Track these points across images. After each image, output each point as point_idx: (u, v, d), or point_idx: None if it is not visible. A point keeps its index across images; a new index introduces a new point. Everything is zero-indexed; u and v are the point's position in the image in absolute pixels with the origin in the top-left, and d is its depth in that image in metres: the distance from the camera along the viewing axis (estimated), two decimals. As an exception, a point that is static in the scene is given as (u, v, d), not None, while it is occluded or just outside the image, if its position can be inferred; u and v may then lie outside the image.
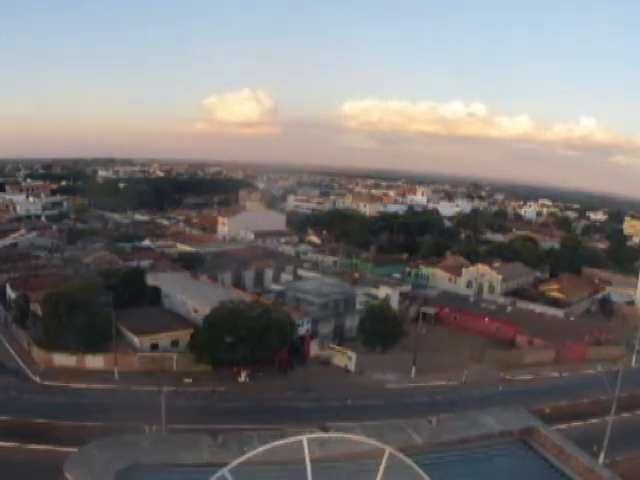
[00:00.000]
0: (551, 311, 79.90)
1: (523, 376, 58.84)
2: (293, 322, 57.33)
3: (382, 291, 75.21)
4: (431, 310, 76.78)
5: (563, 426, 37.94)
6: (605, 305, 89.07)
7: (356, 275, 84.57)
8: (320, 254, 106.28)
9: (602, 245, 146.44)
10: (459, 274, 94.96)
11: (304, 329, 60.97)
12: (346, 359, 58.35)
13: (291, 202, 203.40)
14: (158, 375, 48.11)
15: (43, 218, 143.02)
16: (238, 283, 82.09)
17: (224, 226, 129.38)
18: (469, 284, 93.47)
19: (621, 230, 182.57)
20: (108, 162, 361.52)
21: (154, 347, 55.63)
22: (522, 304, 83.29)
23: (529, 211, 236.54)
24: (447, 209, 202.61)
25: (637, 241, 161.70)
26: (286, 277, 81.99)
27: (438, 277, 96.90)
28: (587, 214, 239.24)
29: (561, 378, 58.73)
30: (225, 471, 10.29)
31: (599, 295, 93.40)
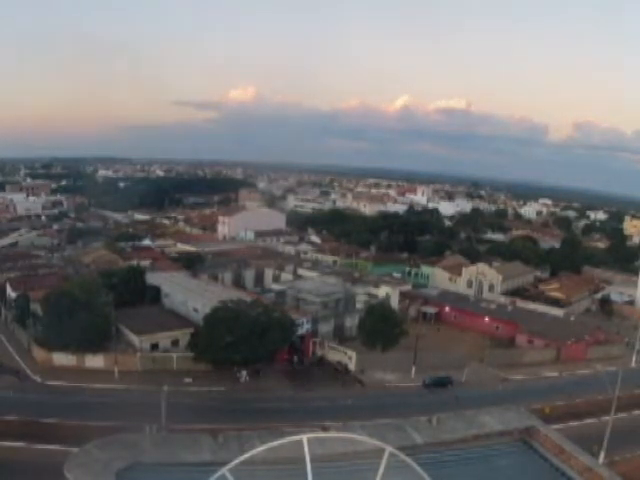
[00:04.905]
0: (551, 310, 79.84)
1: (523, 375, 58.84)
2: (293, 322, 57.36)
3: (382, 290, 75.19)
4: (431, 309, 76.82)
5: (563, 426, 37.89)
6: (605, 305, 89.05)
7: (356, 274, 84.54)
8: (320, 253, 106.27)
9: (602, 245, 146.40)
10: (459, 273, 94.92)
11: (304, 329, 60.97)
12: (346, 358, 58.35)
13: (291, 202, 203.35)
14: (158, 375, 48.17)
15: (43, 217, 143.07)
16: (238, 283, 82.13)
17: (224, 225, 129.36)
18: (469, 283, 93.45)
19: (621, 229, 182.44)
20: (108, 161, 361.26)
21: (154, 347, 55.61)
22: (522, 303, 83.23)
23: (529, 211, 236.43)
24: (447, 209, 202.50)
25: (637, 241, 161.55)
26: (286, 277, 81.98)
27: (438, 276, 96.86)
28: (587, 213, 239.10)
29: (561, 378, 58.70)
30: (225, 471, 10.30)
31: (599, 295, 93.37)
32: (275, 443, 10.50)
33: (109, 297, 55.58)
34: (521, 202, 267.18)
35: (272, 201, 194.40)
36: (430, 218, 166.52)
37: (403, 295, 78.28)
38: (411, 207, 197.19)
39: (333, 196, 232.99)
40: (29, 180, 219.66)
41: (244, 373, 52.07)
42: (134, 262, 79.26)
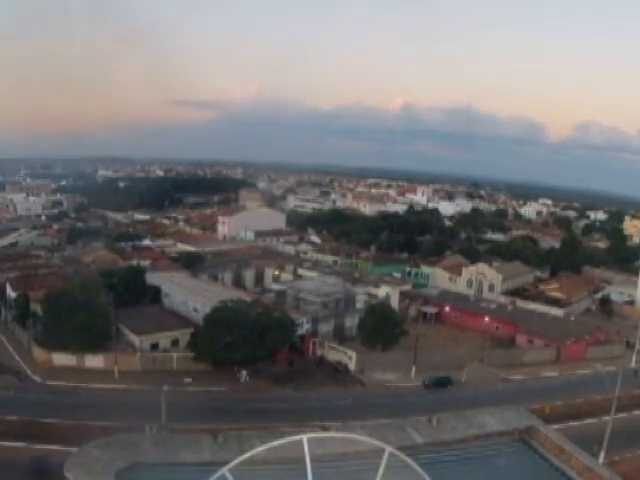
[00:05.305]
0: (551, 310, 79.82)
1: (523, 375, 58.83)
2: (293, 322, 57.36)
3: (382, 290, 75.19)
4: (431, 309, 76.84)
5: (563, 426, 37.90)
6: (605, 304, 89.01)
7: (356, 274, 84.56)
8: (320, 253, 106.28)
9: (602, 244, 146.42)
10: (459, 273, 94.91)
11: (304, 329, 60.97)
12: (346, 358, 58.35)
13: (291, 202, 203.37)
14: (158, 375, 48.17)
15: (43, 217, 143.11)
16: (238, 283, 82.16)
17: (224, 225, 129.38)
18: (469, 283, 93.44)
19: (621, 229, 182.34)
20: (108, 161, 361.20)
21: (154, 347, 55.64)
22: (522, 303, 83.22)
23: (529, 211, 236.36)
24: (447, 209, 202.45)
25: (637, 241, 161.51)
26: (286, 277, 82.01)
27: (438, 276, 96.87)
28: (587, 213, 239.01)
29: (561, 377, 58.71)
30: (225, 471, 10.30)
31: (599, 294, 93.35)
32: (275, 443, 10.50)
33: (109, 297, 55.59)
34: (521, 202, 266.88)
35: (272, 201, 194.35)
36: (430, 218, 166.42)
37: (403, 295, 78.27)
38: (411, 207, 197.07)
39: (333, 196, 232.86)
40: (29, 180, 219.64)
41: (244, 373, 52.08)
42: (134, 262, 79.31)
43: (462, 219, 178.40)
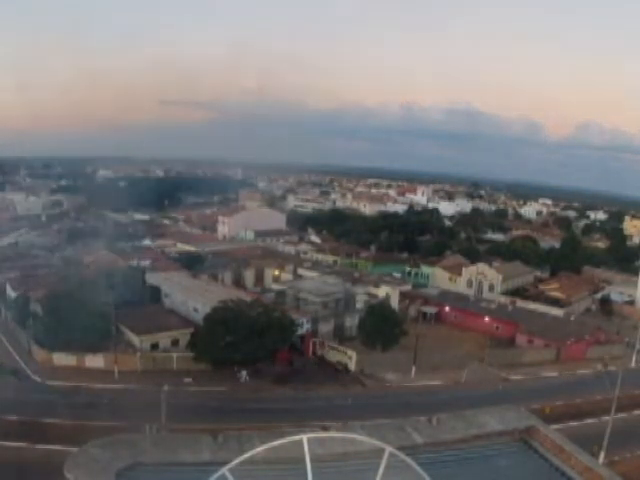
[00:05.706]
0: (551, 310, 79.83)
1: (523, 375, 58.84)
2: (293, 322, 57.39)
3: (382, 290, 75.20)
4: (431, 309, 76.84)
5: (563, 426, 37.89)
6: (605, 304, 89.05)
7: (356, 274, 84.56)
8: (320, 253, 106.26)
9: (602, 244, 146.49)
10: (459, 273, 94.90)
11: (304, 329, 60.99)
12: (346, 358, 58.36)
13: (291, 202, 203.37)
14: (158, 375, 48.19)
15: (43, 217, 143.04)
16: (238, 283, 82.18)
17: (224, 225, 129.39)
18: (469, 283, 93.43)
19: (621, 229, 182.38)
20: (108, 161, 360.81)
21: (154, 347, 55.67)
22: (522, 303, 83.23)
23: (529, 210, 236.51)
24: (447, 209, 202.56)
25: (637, 241, 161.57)
26: (286, 276, 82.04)
27: (438, 276, 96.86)
28: (587, 213, 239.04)
29: (561, 377, 58.72)
30: (225, 471, 10.29)
31: (599, 294, 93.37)
32: (275, 443, 10.49)
33: (109, 297, 55.60)
34: (521, 202, 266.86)
35: (272, 201, 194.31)
36: (430, 218, 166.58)
37: (403, 295, 78.27)
38: (411, 207, 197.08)
39: (333, 196, 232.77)
40: (29, 180, 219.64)
41: (244, 373, 52.10)
42: (134, 262, 79.27)
43: (462, 219, 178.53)
